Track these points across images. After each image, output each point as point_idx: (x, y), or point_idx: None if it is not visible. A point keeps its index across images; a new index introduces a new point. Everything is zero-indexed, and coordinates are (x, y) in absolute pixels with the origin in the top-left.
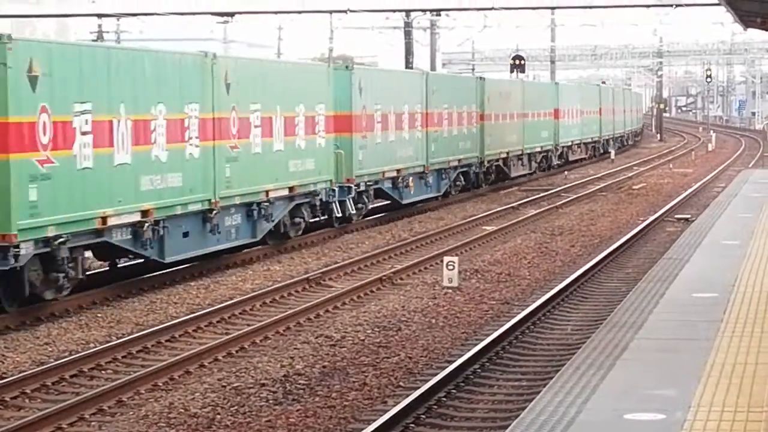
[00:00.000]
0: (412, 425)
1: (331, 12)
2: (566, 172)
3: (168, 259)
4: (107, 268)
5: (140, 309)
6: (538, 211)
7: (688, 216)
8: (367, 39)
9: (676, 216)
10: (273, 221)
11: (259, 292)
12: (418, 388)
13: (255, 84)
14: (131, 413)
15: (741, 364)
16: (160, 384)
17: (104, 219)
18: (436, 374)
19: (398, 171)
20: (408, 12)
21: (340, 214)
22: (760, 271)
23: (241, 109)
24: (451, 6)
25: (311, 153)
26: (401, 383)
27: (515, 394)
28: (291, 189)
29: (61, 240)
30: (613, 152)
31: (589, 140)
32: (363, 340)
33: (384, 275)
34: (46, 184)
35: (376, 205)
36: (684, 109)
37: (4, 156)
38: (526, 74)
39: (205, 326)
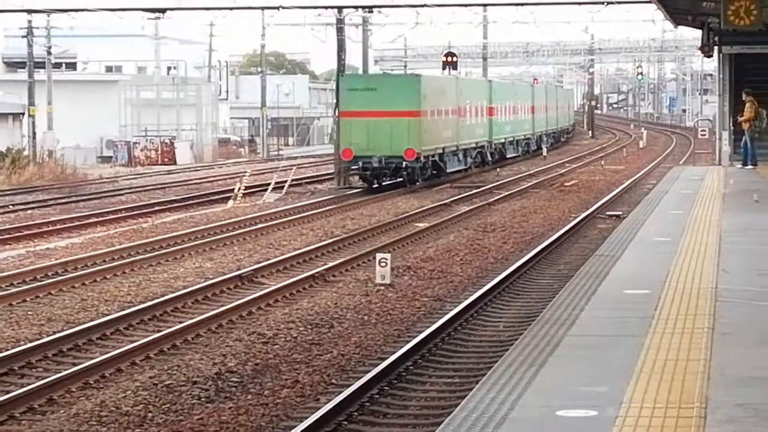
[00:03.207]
0: (345, 423)
1: (263, 8)
2: (498, 169)
3: (449, 170)
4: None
5: (71, 306)
6: (470, 207)
7: (620, 213)
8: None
9: (608, 213)
10: (471, 159)
11: (191, 289)
12: (351, 385)
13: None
14: (62, 412)
15: (672, 361)
16: (92, 382)
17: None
18: (369, 371)
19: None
20: (340, 9)
21: (490, 159)
22: (690, 267)
23: (464, 103)
24: (383, 3)
25: (480, 125)
26: (334, 380)
27: (448, 391)
28: (476, 143)
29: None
30: (545, 149)
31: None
32: (295, 338)
33: (316, 272)
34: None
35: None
36: (615, 106)
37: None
38: (458, 71)
39: (137, 324)
